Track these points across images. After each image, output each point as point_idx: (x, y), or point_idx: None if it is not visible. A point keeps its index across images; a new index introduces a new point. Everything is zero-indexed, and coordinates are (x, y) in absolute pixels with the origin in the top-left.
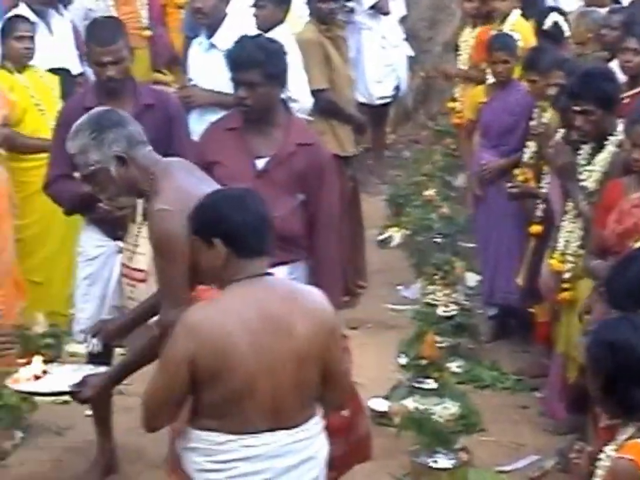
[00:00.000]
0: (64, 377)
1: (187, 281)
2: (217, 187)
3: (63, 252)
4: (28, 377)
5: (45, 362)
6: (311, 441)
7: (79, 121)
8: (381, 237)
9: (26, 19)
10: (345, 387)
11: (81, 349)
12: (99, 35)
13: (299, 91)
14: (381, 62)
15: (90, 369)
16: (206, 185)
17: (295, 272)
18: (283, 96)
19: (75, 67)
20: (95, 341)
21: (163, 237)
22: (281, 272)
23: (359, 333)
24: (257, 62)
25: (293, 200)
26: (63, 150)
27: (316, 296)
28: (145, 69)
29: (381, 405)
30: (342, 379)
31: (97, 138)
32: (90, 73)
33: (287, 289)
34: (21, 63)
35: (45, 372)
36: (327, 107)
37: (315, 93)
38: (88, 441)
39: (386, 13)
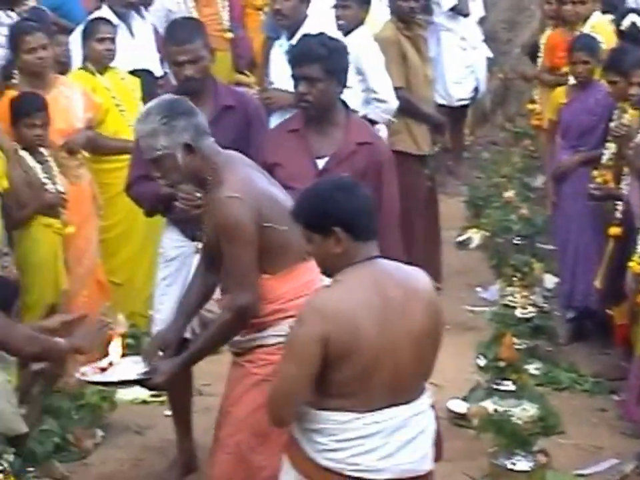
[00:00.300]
0: (129, 367)
1: (257, 266)
2: (277, 184)
3: (144, 253)
4: (94, 370)
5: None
6: (424, 414)
7: (149, 104)
8: (460, 239)
9: (107, 21)
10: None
11: None
12: (176, 35)
13: (385, 91)
14: (460, 63)
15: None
16: (267, 181)
17: None
18: (368, 97)
19: (157, 69)
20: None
21: (233, 223)
22: None
23: None
24: (318, 57)
25: None
26: (138, 148)
27: (422, 276)
28: (227, 71)
29: (459, 406)
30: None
31: (167, 123)
32: (171, 75)
33: (397, 270)
34: (102, 64)
35: (110, 364)
36: (402, 105)
37: None
38: (167, 440)
39: (466, 15)
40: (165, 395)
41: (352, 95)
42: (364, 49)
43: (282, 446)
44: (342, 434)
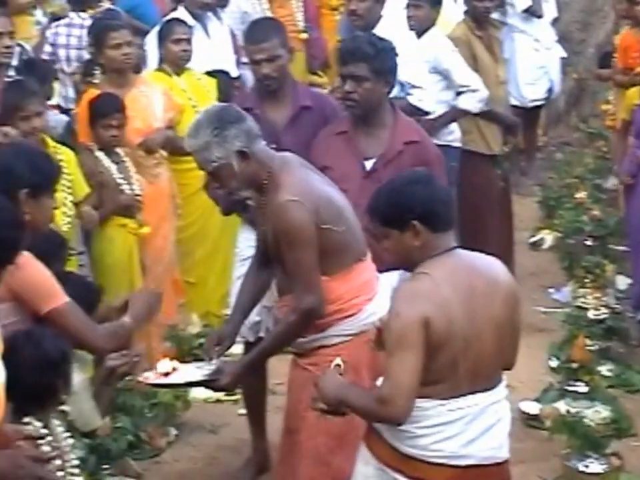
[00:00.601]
0: (193, 370)
1: (318, 267)
2: (332, 184)
3: (218, 253)
4: (157, 375)
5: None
6: (501, 403)
7: (198, 117)
8: (532, 239)
9: (183, 22)
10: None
11: (233, 348)
12: (254, 33)
13: (474, 82)
14: (533, 64)
15: (214, 365)
16: (323, 182)
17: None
18: (461, 88)
19: (233, 70)
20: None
21: (294, 227)
22: (392, 277)
23: None
24: (365, 56)
25: None
26: None
27: (500, 265)
28: (301, 71)
29: (532, 407)
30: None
31: (219, 134)
32: (246, 77)
33: (478, 260)
34: (178, 65)
35: (174, 369)
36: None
37: None
38: (241, 439)
39: (539, 16)
40: (239, 394)
41: (426, 96)
42: (441, 49)
43: (358, 446)
44: (425, 421)
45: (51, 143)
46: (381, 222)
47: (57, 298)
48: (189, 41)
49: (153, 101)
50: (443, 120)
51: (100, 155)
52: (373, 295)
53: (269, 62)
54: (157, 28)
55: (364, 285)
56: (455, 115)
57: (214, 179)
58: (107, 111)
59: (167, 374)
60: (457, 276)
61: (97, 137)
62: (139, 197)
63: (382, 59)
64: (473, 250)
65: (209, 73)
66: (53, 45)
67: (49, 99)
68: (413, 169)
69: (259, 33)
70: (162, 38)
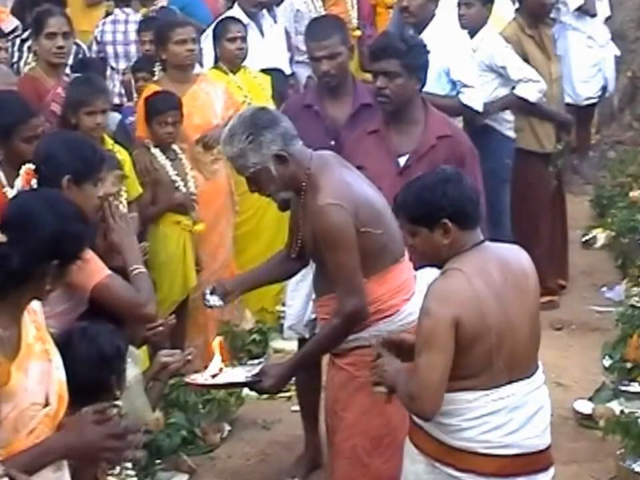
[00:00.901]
0: (238, 371)
1: (360, 270)
2: (369, 183)
3: (272, 249)
4: (205, 377)
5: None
6: (541, 390)
7: (231, 124)
8: (585, 238)
9: (237, 20)
10: None
11: (287, 345)
12: (314, 31)
13: (532, 74)
14: (587, 62)
15: (258, 367)
16: (363, 183)
17: None
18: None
19: (286, 68)
20: (215, 297)
21: (336, 232)
22: (431, 275)
23: (563, 335)
24: (396, 52)
25: None
26: None
27: (524, 254)
28: (354, 69)
29: (585, 407)
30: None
31: (254, 141)
32: (300, 75)
33: (505, 251)
34: (234, 63)
35: (220, 370)
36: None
37: None
38: (294, 435)
39: (592, 15)
40: (292, 390)
41: (477, 95)
42: (495, 47)
43: (397, 448)
44: (470, 413)
45: (109, 141)
46: (410, 219)
47: (100, 272)
48: (243, 39)
49: (213, 98)
50: (499, 103)
51: (156, 151)
52: (411, 295)
53: (329, 59)
54: (211, 27)
55: (402, 285)
56: (512, 101)
57: (253, 184)
58: (162, 108)
59: (214, 375)
60: (487, 269)
61: (153, 134)
62: (193, 195)
63: (413, 55)
64: (526, 249)
65: (263, 71)
66: (99, 42)
67: None
68: (447, 163)
69: (320, 30)
70: (217, 36)
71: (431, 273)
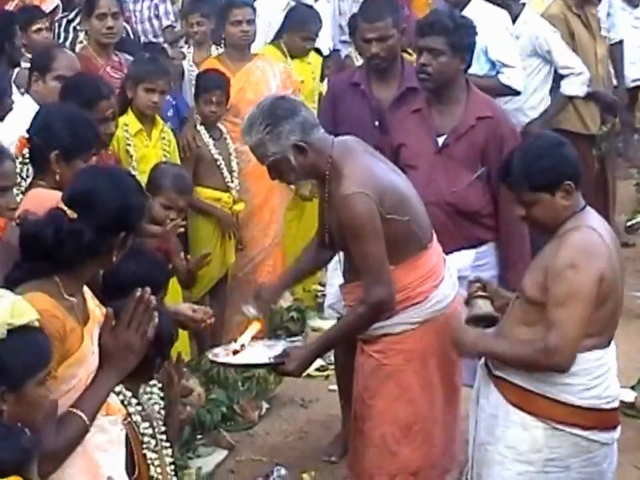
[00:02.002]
0: (262, 350)
1: (386, 258)
2: (394, 168)
3: (312, 229)
4: (227, 352)
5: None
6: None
7: (250, 113)
8: (629, 223)
9: (244, 3)
10: None
11: (325, 324)
12: (367, 12)
13: (577, 65)
14: (634, 43)
15: (283, 345)
16: (387, 169)
17: (483, 257)
18: (563, 70)
19: (325, 48)
20: (251, 309)
21: (361, 221)
22: (466, 257)
23: None
24: (443, 29)
25: (473, 174)
26: (323, 119)
27: None
28: None
29: (628, 395)
30: None
31: (272, 131)
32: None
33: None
34: (238, 47)
35: (242, 346)
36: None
37: None
38: (331, 414)
39: (636, 6)
40: (330, 369)
41: (516, 74)
42: (541, 31)
43: (425, 436)
44: (597, 370)
45: (160, 121)
46: (531, 188)
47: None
48: (249, 21)
49: (268, 75)
50: (552, 111)
51: (201, 128)
52: (440, 282)
53: (379, 41)
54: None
55: (430, 272)
56: (562, 103)
57: (273, 172)
58: (208, 86)
59: (235, 352)
60: (607, 228)
61: (199, 110)
62: (234, 175)
63: (461, 35)
64: None
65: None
66: (127, 22)
67: None
68: (486, 144)
69: (373, 11)
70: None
71: (461, 257)
